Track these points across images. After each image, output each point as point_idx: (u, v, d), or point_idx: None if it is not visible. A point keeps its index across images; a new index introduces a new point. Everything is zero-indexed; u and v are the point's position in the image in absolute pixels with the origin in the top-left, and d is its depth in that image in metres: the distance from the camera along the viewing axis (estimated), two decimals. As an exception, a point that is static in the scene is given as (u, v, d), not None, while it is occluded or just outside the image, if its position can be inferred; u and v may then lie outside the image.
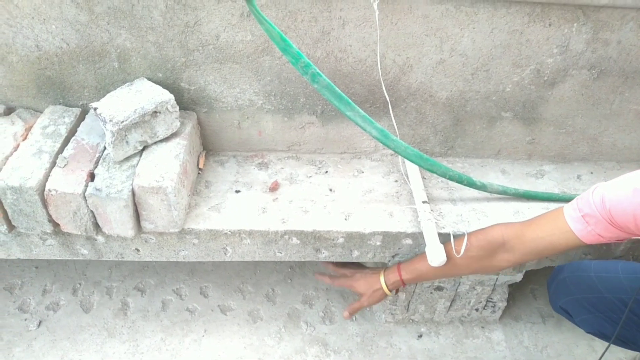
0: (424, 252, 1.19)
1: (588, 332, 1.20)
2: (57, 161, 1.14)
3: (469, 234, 1.15)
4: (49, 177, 1.11)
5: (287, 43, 1.02)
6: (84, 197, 1.10)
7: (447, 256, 1.15)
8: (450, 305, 1.50)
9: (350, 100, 1.12)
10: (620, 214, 0.89)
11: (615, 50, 1.28)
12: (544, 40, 1.25)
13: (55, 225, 1.16)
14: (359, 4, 1.15)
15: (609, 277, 1.16)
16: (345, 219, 1.28)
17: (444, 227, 1.26)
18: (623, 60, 1.30)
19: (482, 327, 1.56)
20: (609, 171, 1.52)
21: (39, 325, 1.46)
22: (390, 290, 1.27)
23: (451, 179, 1.29)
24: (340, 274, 1.39)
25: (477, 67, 1.29)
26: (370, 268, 1.38)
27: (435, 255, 1.17)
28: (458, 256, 1.14)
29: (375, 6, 1.11)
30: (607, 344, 1.07)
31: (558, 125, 1.44)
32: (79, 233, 1.17)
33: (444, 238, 1.23)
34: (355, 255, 1.31)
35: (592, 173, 1.51)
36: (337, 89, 1.10)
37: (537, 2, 1.17)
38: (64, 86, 1.27)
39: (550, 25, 1.22)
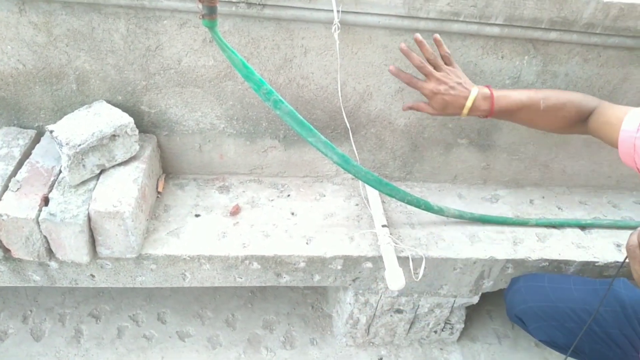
0: (517, 91, 1.11)
1: (540, 340, 1.24)
2: (10, 185, 1.11)
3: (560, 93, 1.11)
4: (1, 202, 1.07)
5: (250, 70, 1.03)
6: (37, 222, 1.06)
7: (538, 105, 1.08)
8: (410, 327, 1.52)
9: (311, 127, 1.13)
10: None
11: (564, 82, 1.35)
12: (497, 71, 1.30)
13: (6, 251, 1.12)
14: (320, 33, 1.18)
15: (561, 288, 1.22)
16: (307, 243, 1.29)
17: (402, 251, 1.29)
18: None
19: (441, 349, 1.58)
20: (560, 196, 1.59)
21: (-16, 356, 1.40)
22: (468, 109, 1.08)
23: (409, 203, 1.31)
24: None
25: (434, 96, 1.33)
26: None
27: (394, 280, 1.19)
28: (416, 280, 1.16)
29: (335, 36, 1.13)
30: (557, 353, 1.11)
31: (511, 152, 1.50)
32: (31, 259, 1.13)
33: (403, 261, 1.26)
34: (316, 280, 1.32)
35: (543, 197, 1.57)
36: (299, 115, 1.11)
37: (490, 35, 1.22)
38: (19, 107, 1.24)
39: (502, 57, 1.28)
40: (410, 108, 1.16)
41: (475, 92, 1.07)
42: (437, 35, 1.09)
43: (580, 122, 1.11)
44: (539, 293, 1.23)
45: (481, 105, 1.08)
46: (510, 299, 1.29)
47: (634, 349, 1.09)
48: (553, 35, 1.24)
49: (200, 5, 0.92)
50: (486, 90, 1.09)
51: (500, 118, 1.13)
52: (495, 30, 1.21)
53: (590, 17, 1.20)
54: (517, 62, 1.29)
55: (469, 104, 1.07)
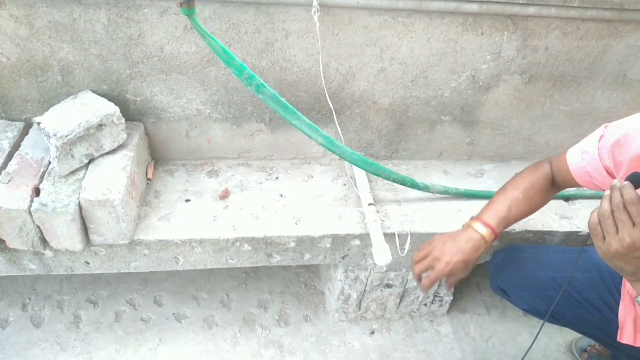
0: (492, 200, 1.17)
1: (523, 309, 1.28)
2: (1, 177, 1.13)
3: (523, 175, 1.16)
4: (-8, 194, 1.10)
5: (230, 56, 1.05)
6: (30, 213, 1.09)
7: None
8: (400, 301, 1.56)
9: (295, 110, 1.15)
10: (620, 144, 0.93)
11: (544, 56, 1.37)
12: (477, 48, 1.32)
13: (1, 241, 1.15)
14: (301, 16, 1.19)
15: (541, 258, 1.26)
16: (296, 224, 1.32)
17: (389, 228, 1.32)
18: (551, 66, 1.39)
19: (431, 321, 1.63)
20: (544, 168, 1.62)
21: (-14, 344, 1.43)
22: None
23: (395, 181, 1.34)
24: (418, 259, 1.15)
25: (416, 75, 1.35)
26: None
27: (381, 255, 1.22)
28: (402, 255, 1.19)
29: (315, 18, 1.14)
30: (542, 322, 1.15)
31: (495, 127, 1.52)
32: (26, 248, 1.16)
33: (390, 238, 1.29)
34: (306, 258, 1.35)
35: (528, 171, 1.60)
36: (281, 99, 1.13)
37: (469, 12, 1.23)
38: (5, 100, 1.25)
39: (482, 34, 1.29)
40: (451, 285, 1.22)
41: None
42: None
43: (552, 186, 1.16)
44: (520, 264, 1.26)
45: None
46: (493, 271, 1.32)
47: (612, 312, 1.13)
48: (531, 10, 1.25)
49: (177, -6, 0.93)
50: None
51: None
52: (474, 7, 1.22)
53: (568, -10, 1.22)
54: (497, 37, 1.31)
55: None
